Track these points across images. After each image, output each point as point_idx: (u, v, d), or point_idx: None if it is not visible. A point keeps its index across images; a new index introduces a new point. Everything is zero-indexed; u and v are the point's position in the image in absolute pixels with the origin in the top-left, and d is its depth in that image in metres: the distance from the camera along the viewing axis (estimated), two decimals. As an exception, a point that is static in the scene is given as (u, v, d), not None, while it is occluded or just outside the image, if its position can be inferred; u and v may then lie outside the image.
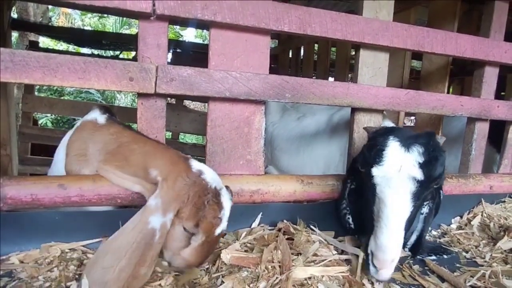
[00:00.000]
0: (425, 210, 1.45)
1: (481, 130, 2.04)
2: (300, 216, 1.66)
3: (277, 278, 1.18)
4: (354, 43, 1.67)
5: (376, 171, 1.23)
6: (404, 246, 1.49)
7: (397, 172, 1.19)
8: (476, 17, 3.04)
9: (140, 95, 1.43)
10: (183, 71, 1.40)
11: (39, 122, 7.49)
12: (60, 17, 12.14)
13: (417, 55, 2.86)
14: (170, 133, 4.77)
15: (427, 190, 1.24)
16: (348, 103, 1.65)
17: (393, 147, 1.22)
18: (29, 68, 1.21)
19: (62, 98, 7.79)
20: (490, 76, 2.02)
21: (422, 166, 1.18)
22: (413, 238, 1.49)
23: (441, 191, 1.47)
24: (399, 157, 1.20)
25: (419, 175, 1.18)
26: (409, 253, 1.52)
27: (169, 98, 5.51)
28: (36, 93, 7.81)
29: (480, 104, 1.95)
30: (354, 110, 1.76)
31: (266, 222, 1.62)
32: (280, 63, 4.98)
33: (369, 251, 1.24)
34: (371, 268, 1.22)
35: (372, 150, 1.26)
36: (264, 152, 1.63)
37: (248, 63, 1.53)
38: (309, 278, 1.22)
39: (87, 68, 1.28)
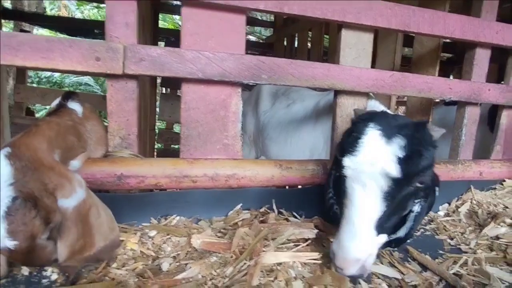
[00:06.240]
0: (416, 208, 1.27)
1: (472, 114, 1.97)
2: (280, 201, 1.62)
3: (245, 263, 1.14)
4: (335, 22, 1.61)
5: (348, 161, 1.08)
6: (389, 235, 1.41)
7: (370, 166, 1.04)
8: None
9: (110, 76, 1.38)
10: (152, 50, 1.35)
11: (38, 114, 7.49)
12: (61, 9, 12.10)
13: (409, 42, 2.78)
14: (165, 123, 4.73)
15: (406, 189, 1.09)
16: (328, 85, 1.59)
17: (371, 136, 1.07)
18: (-13, 47, 1.17)
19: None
20: (482, 58, 1.94)
21: (400, 161, 1.02)
22: (400, 233, 1.33)
23: (436, 188, 1.33)
24: (375, 149, 1.05)
25: (395, 171, 1.02)
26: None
27: (164, 88, 5.46)
28: (35, 85, 7.84)
29: (470, 87, 1.87)
30: (337, 93, 1.70)
31: (244, 207, 1.58)
32: (276, 51, 4.90)
33: (332, 249, 1.10)
34: (333, 268, 1.11)
35: (349, 137, 1.13)
36: (241, 136, 1.58)
37: (223, 43, 1.48)
38: (279, 264, 1.17)
39: (50, 47, 1.24)
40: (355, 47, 1.67)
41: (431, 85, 1.78)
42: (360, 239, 1.06)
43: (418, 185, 1.11)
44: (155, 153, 4.45)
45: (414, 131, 1.09)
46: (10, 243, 0.89)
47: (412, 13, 1.68)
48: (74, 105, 1.56)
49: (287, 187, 1.71)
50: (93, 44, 1.28)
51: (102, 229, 1.16)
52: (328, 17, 1.54)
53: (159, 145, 5.59)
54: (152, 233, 1.39)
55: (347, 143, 1.12)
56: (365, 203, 1.07)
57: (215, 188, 1.49)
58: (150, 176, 1.39)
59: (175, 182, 1.42)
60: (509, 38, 1.90)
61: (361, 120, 1.17)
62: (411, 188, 1.12)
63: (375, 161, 1.05)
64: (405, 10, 1.67)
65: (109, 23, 1.34)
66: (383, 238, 1.14)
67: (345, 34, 1.64)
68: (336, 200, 1.35)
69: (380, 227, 1.10)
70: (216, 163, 1.48)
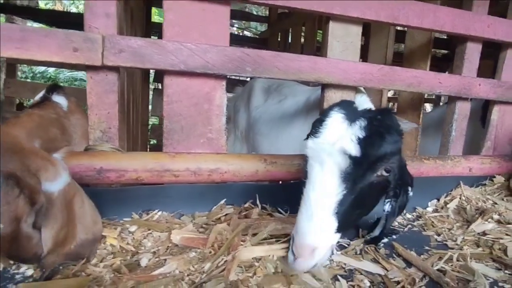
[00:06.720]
0: (387, 207, 1.29)
1: (462, 110, 1.94)
2: (266, 196, 1.59)
3: (222, 259, 1.12)
4: (322, 14, 1.57)
5: (310, 143, 1.09)
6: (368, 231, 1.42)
7: (330, 146, 1.04)
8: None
9: (89, 68, 1.35)
10: (132, 42, 1.32)
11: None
12: (56, 4, 12.01)
13: (402, 38, 2.75)
14: (158, 119, 4.69)
15: (370, 175, 1.08)
16: (315, 78, 1.57)
17: (334, 118, 1.08)
18: (-42, 36, 1.14)
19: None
20: (473, 53, 1.91)
21: (360, 141, 1.03)
22: (376, 232, 1.38)
23: (409, 189, 1.33)
24: (337, 130, 1.06)
25: (354, 150, 1.02)
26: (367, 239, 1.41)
27: (157, 84, 5.41)
28: (29, 80, 7.77)
29: (460, 81, 1.85)
30: (324, 87, 1.67)
31: (228, 202, 1.55)
32: (270, 46, 4.87)
33: (291, 235, 1.08)
34: (290, 255, 1.06)
35: (315, 122, 1.14)
36: (226, 130, 1.56)
37: (207, 35, 1.44)
38: (259, 259, 1.15)
39: (25, 37, 1.21)
40: (342, 40, 1.64)
41: (420, 79, 1.75)
42: (318, 220, 1.02)
43: (384, 173, 1.10)
44: (148, 149, 4.42)
45: (377, 114, 1.10)
46: None
47: (401, 5, 1.65)
48: (59, 99, 1.54)
49: (280, 182, 1.69)
50: (70, 34, 1.25)
51: (85, 220, 1.13)
52: (315, 9, 1.51)
53: (154, 141, 5.55)
54: (133, 228, 1.36)
55: (312, 127, 1.13)
56: (322, 181, 1.04)
57: (198, 182, 1.46)
58: (131, 170, 1.37)
59: (157, 177, 1.40)
60: (501, 32, 1.87)
61: (329, 107, 1.18)
62: (376, 176, 1.10)
63: (335, 141, 1.05)
64: (394, 3, 1.63)
65: (88, 13, 1.31)
66: (338, 236, 1.12)
67: (333, 26, 1.61)
68: None
69: (341, 215, 1.05)
70: (198, 157, 1.45)
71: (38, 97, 1.51)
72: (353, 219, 1.17)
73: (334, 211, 1.04)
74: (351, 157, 1.03)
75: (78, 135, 1.53)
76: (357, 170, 1.04)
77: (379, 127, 1.05)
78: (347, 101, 1.22)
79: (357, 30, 1.66)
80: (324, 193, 1.04)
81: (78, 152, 1.37)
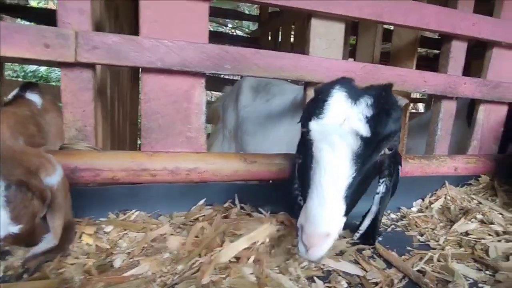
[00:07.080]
0: (381, 189, 1.21)
1: (448, 109, 1.93)
2: (247, 196, 1.57)
3: (196, 260, 1.09)
4: (304, 11, 1.55)
5: (314, 124, 1.01)
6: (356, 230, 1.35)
7: (338, 126, 0.98)
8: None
9: (63, 65, 1.31)
10: (107, 38, 1.29)
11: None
12: (49, 3, 11.92)
13: (390, 37, 2.74)
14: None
15: (376, 154, 1.04)
16: (297, 77, 1.54)
17: (337, 97, 1.02)
18: None
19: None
20: (458, 51, 1.90)
21: (369, 120, 0.97)
22: (366, 222, 1.29)
23: (398, 167, 1.26)
24: (342, 109, 1.00)
25: (365, 130, 0.97)
26: (358, 241, 1.35)
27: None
28: (20, 79, 7.69)
29: (446, 80, 1.83)
30: (307, 85, 1.65)
31: (208, 202, 1.52)
32: (261, 45, 4.84)
33: (298, 225, 1.03)
34: (300, 247, 1.01)
35: (314, 102, 1.08)
36: (205, 129, 1.53)
37: (185, 32, 1.41)
38: (237, 262, 1.12)
39: (-4, 33, 1.17)
40: (325, 38, 1.62)
41: (404, 77, 1.73)
42: (330, 206, 0.98)
43: (387, 151, 1.07)
44: (138, 148, 4.38)
45: (380, 91, 1.05)
46: (14, 228, 0.93)
47: (386, 3, 1.63)
48: (33, 97, 1.51)
49: (271, 181, 1.64)
50: (42, 30, 1.22)
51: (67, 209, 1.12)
52: (296, 5, 1.48)
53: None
54: (109, 228, 1.33)
55: (312, 107, 1.06)
56: (335, 164, 0.99)
57: (175, 182, 1.43)
58: (107, 170, 1.34)
59: (133, 176, 1.37)
60: (486, 31, 1.86)
61: (326, 85, 1.11)
62: (380, 155, 1.07)
63: (343, 121, 0.99)
64: (378, 0, 1.61)
65: (61, 8, 1.28)
66: (345, 220, 1.08)
67: (315, 23, 1.59)
68: (301, 189, 1.29)
69: (348, 199, 1.02)
70: (177, 156, 1.42)
71: (11, 95, 1.48)
72: (356, 201, 1.13)
73: (344, 195, 1.01)
74: (362, 138, 0.98)
75: (53, 133, 1.50)
76: (366, 151, 1.00)
77: (385, 104, 1.00)
78: (346, 79, 1.14)
79: (340, 27, 1.64)
80: (336, 177, 1.00)
81: (52, 151, 1.33)
